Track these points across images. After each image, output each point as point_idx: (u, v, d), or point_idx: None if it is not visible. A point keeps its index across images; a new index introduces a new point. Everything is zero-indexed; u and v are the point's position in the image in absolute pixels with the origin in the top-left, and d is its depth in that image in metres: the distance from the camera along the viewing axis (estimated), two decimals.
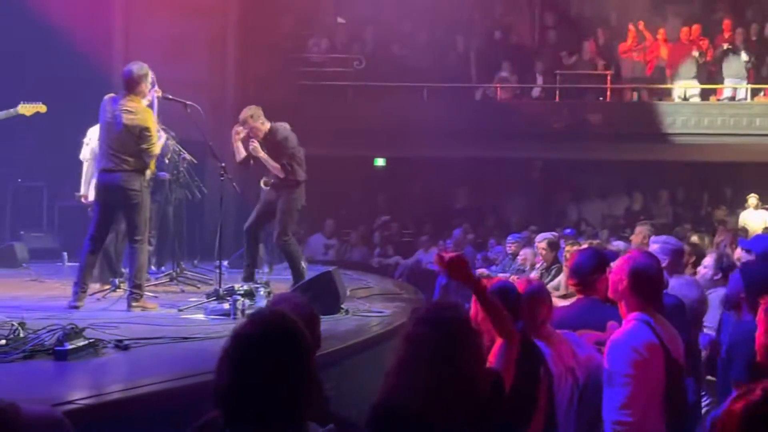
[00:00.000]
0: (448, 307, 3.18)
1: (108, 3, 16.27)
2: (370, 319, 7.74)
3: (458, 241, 14.73)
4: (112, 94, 8.19)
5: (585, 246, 9.30)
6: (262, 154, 9.08)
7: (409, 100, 17.64)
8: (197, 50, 16.98)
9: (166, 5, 16.41)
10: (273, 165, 9.16)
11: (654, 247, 6.53)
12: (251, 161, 9.22)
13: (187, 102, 8.49)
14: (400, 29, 19.06)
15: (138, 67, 7.98)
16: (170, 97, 8.21)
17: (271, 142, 9.19)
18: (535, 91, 18.33)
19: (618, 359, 4.00)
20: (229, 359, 2.59)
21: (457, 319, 3.08)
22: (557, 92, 17.91)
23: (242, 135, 9.13)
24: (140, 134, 7.84)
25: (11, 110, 7.73)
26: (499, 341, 3.47)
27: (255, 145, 9.04)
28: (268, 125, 9.23)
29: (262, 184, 9.77)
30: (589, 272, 5.09)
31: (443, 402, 2.95)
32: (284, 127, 9.50)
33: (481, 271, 13.20)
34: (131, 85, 7.93)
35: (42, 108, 8.00)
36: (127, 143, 7.84)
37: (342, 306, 7.87)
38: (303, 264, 9.44)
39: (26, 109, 7.89)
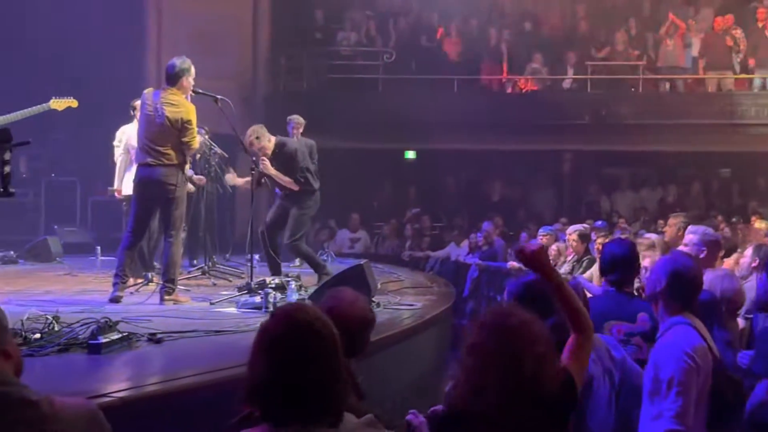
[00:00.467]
0: (510, 312, 3.12)
1: None
2: (401, 312, 7.75)
3: (488, 235, 14.67)
4: (151, 89, 8.22)
5: (620, 236, 9.28)
6: (272, 171, 9.16)
7: (440, 92, 17.59)
8: (228, 44, 17.07)
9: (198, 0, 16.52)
10: (285, 180, 9.23)
11: (691, 237, 6.45)
12: (263, 179, 9.28)
13: (218, 96, 8.51)
14: (430, 21, 19.03)
15: (181, 61, 8.00)
16: (201, 91, 8.23)
17: (281, 156, 9.25)
18: (566, 83, 18.22)
19: (671, 365, 3.86)
20: (256, 356, 2.60)
21: (521, 325, 3.03)
22: (588, 83, 17.79)
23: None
24: (182, 127, 7.86)
25: (43, 105, 7.78)
26: (572, 336, 3.41)
27: (265, 163, 9.08)
28: (273, 140, 9.28)
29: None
30: (621, 263, 5.04)
31: (514, 408, 2.93)
32: (290, 140, 9.63)
33: (512, 264, 13.17)
34: (174, 79, 7.96)
35: (73, 103, 8.05)
36: (168, 137, 7.87)
37: (373, 299, 7.86)
38: (318, 258, 9.65)
39: (58, 104, 7.95)
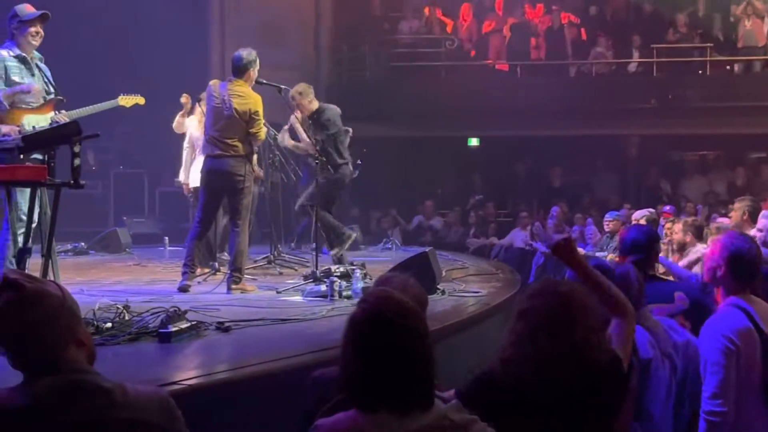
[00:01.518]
0: (562, 282, 3.13)
1: None
2: (466, 300, 7.72)
3: (557, 221, 14.56)
4: (217, 80, 8.29)
5: (682, 221, 9.17)
6: (289, 143, 9.27)
7: (503, 78, 17.48)
8: (291, 34, 17.15)
9: None
10: (305, 141, 9.55)
11: (765, 222, 6.34)
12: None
13: (281, 86, 8.57)
14: (492, 7, 18.91)
15: (248, 53, 8.06)
16: (264, 81, 8.27)
17: (316, 121, 9.37)
18: (632, 66, 17.97)
19: (709, 346, 3.88)
20: (346, 345, 2.63)
21: (572, 292, 3.02)
22: (654, 66, 17.52)
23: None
24: (249, 119, 7.93)
25: (111, 101, 7.89)
26: (613, 321, 3.38)
27: (294, 117, 9.34)
28: (316, 104, 9.45)
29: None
30: (642, 247, 5.00)
31: (562, 377, 2.91)
32: (333, 109, 9.68)
33: (579, 250, 13.06)
34: (241, 71, 8.02)
35: (141, 100, 8.15)
36: (235, 128, 7.94)
37: (438, 287, 7.86)
38: (341, 229, 9.69)
39: (126, 100, 8.05)
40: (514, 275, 10.49)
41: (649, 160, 18.51)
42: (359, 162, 12.66)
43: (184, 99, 10.23)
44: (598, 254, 11.67)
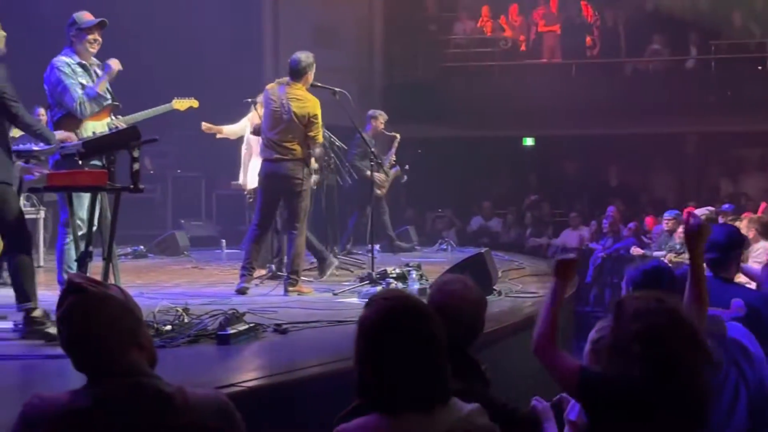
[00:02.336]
0: (659, 297, 2.97)
1: None
2: (523, 300, 7.68)
3: (613, 221, 14.41)
4: (274, 84, 8.33)
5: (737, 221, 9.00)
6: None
7: (557, 77, 17.35)
8: (344, 36, 17.19)
9: None
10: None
11: None
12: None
13: (336, 88, 8.59)
14: (547, 5, 18.77)
15: (305, 56, 8.10)
16: (319, 84, 8.30)
17: None
18: (689, 63, 17.72)
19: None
20: (357, 348, 2.63)
21: (672, 310, 2.88)
22: (712, 63, 17.26)
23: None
24: (308, 122, 7.97)
25: (166, 105, 7.97)
26: None
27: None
28: None
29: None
30: (718, 247, 4.87)
31: (661, 392, 2.78)
32: None
33: (635, 249, 12.92)
34: (299, 74, 8.06)
35: (194, 103, 8.22)
36: (293, 131, 7.99)
37: (494, 287, 7.83)
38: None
39: (180, 104, 8.13)
40: None
41: (708, 157, 18.26)
42: (407, 167, 12.72)
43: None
44: (656, 254, 11.54)
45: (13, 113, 5.64)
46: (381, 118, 12.52)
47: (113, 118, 6.96)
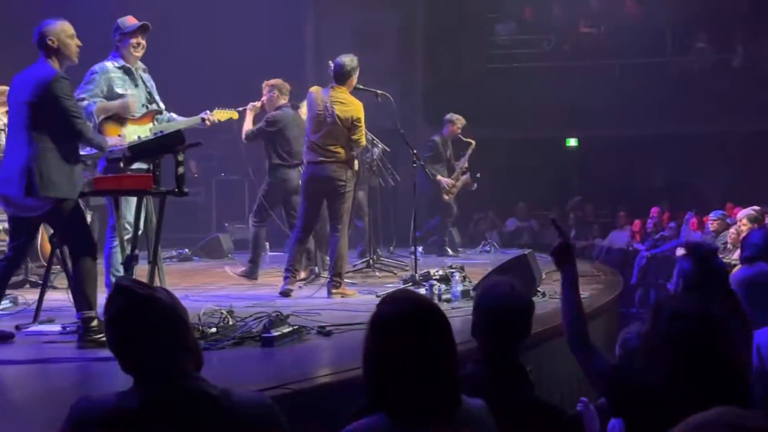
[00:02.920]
0: (693, 300, 2.91)
1: None
2: None
3: (657, 221, 14.27)
4: (318, 87, 8.36)
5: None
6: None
7: (601, 77, 17.23)
8: (386, 39, 17.20)
9: None
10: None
11: None
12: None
13: (378, 91, 8.60)
14: (588, 6, 18.65)
15: (350, 59, 8.14)
16: (362, 87, 8.32)
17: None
18: (735, 62, 17.50)
19: None
20: (366, 347, 2.60)
21: (711, 315, 2.82)
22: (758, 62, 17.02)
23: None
24: (352, 125, 8.01)
25: (195, 117, 7.99)
26: None
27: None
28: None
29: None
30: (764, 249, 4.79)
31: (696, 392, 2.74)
32: (285, 110, 9.46)
33: (680, 250, 12.76)
34: (343, 77, 8.09)
35: (234, 114, 8.23)
36: (337, 135, 8.02)
37: (538, 289, 7.79)
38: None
39: (220, 114, 8.18)
40: (615, 277, 10.32)
41: (755, 156, 18.00)
42: (478, 175, 12.71)
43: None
44: None
45: (77, 130, 5.63)
46: (459, 122, 12.52)
47: (155, 123, 7.02)
